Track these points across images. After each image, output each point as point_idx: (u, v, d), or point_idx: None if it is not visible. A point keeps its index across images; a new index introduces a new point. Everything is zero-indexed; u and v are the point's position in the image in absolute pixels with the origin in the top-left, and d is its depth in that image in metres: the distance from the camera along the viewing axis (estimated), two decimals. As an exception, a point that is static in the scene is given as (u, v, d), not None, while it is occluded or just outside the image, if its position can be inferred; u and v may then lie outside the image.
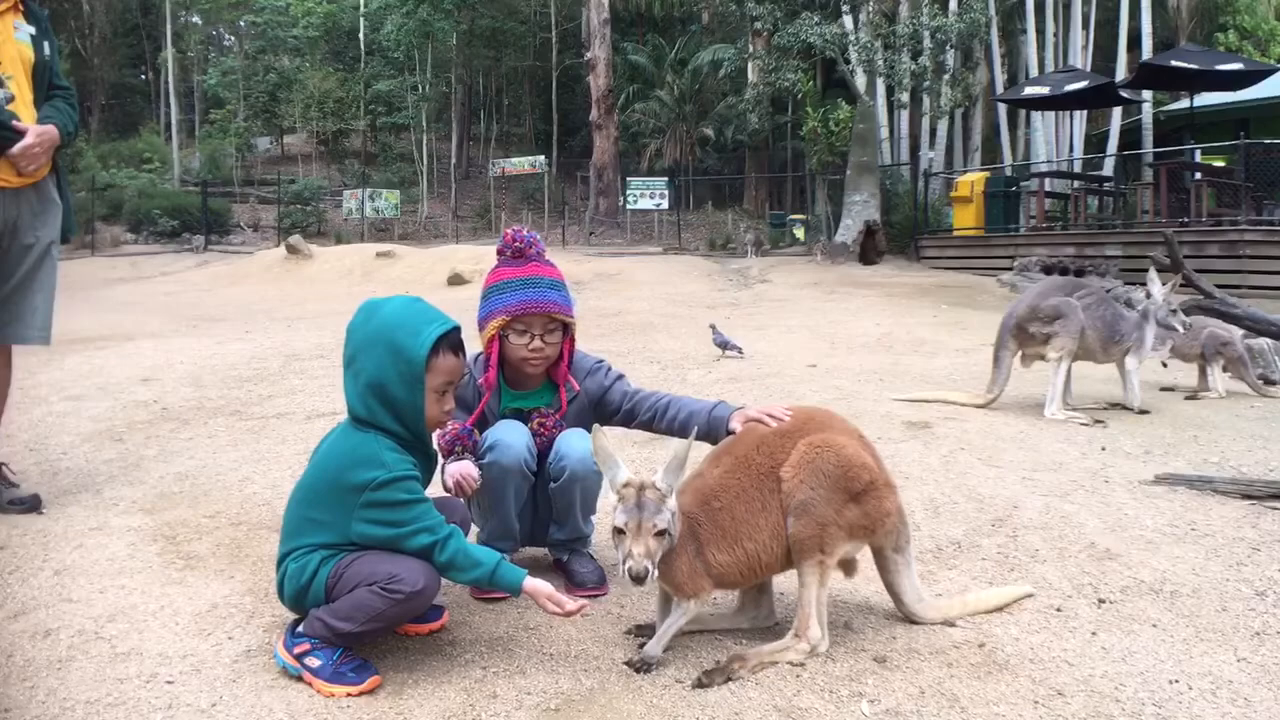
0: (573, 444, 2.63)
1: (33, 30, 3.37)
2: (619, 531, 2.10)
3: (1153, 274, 5.25)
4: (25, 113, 3.28)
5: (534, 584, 2.17)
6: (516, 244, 2.67)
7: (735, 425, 2.47)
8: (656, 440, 4.24)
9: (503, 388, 2.72)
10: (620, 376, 2.79)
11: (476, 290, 2.86)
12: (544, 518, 2.77)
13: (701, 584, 2.22)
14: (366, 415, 2.20)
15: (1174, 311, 5.09)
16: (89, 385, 5.77)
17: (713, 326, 7.36)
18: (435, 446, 2.53)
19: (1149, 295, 5.21)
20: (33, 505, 3.35)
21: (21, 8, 3.36)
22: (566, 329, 2.68)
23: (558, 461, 2.63)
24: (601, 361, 2.81)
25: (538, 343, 2.61)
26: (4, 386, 3.49)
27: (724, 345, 7.11)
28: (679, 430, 2.60)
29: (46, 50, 3.41)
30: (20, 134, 3.19)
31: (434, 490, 2.50)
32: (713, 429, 2.54)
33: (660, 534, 2.09)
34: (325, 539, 2.17)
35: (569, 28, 32.59)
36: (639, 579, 2.05)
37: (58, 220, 3.46)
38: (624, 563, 2.07)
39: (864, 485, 2.26)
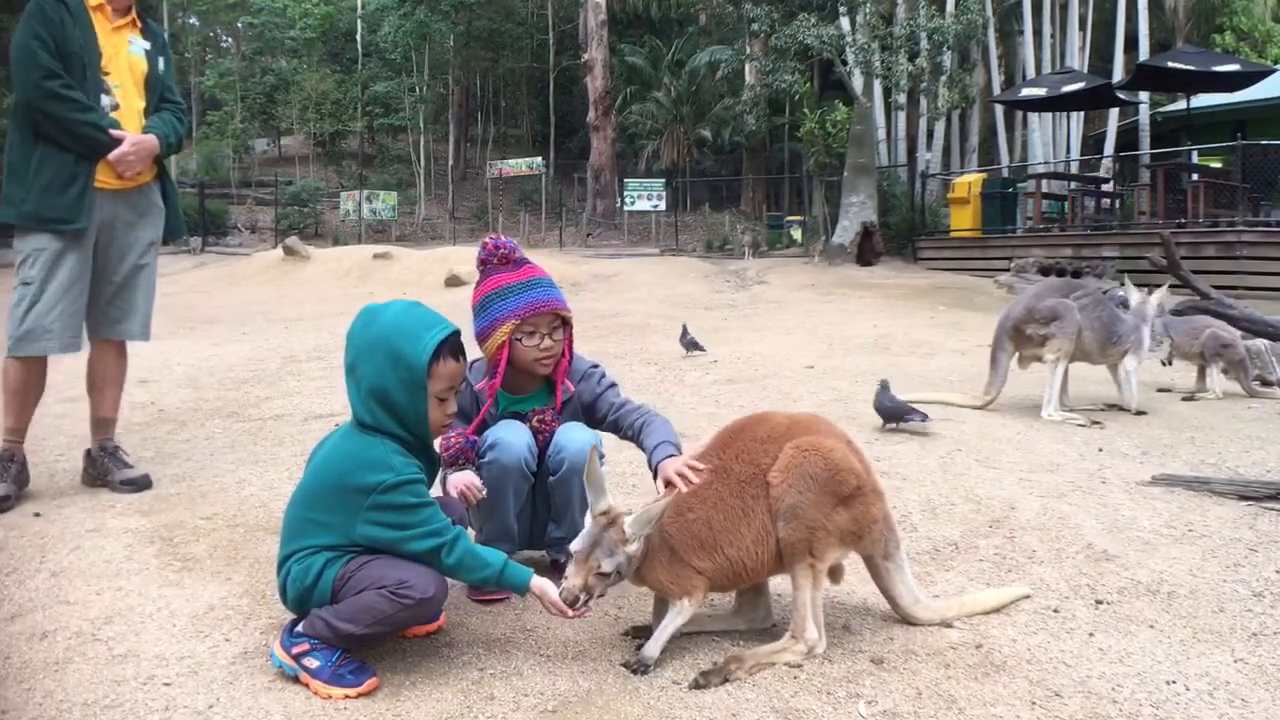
0: (572, 436, 2.64)
1: (148, 45, 3.67)
2: (570, 555, 2.18)
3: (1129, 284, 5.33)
4: (132, 121, 3.55)
5: (540, 584, 2.19)
6: (501, 250, 2.68)
7: (662, 476, 2.40)
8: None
9: (499, 394, 2.71)
10: (612, 385, 2.80)
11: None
12: (542, 518, 2.78)
13: (690, 583, 2.23)
14: (371, 420, 2.20)
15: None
16: (85, 387, 5.75)
17: (684, 327, 7.36)
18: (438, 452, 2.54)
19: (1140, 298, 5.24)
20: (142, 485, 3.59)
21: (139, 24, 3.67)
22: (567, 324, 2.70)
23: (557, 454, 2.63)
24: (596, 366, 2.82)
25: (548, 342, 2.63)
26: (121, 376, 3.81)
27: (691, 346, 7.11)
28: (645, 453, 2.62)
29: (160, 65, 3.71)
30: (117, 141, 3.43)
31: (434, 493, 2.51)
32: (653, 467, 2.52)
33: (602, 575, 2.14)
34: (328, 540, 2.16)
35: (566, 29, 32.61)
36: (570, 605, 2.14)
37: (159, 222, 3.75)
38: (561, 584, 2.16)
39: (851, 489, 2.26)
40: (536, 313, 2.60)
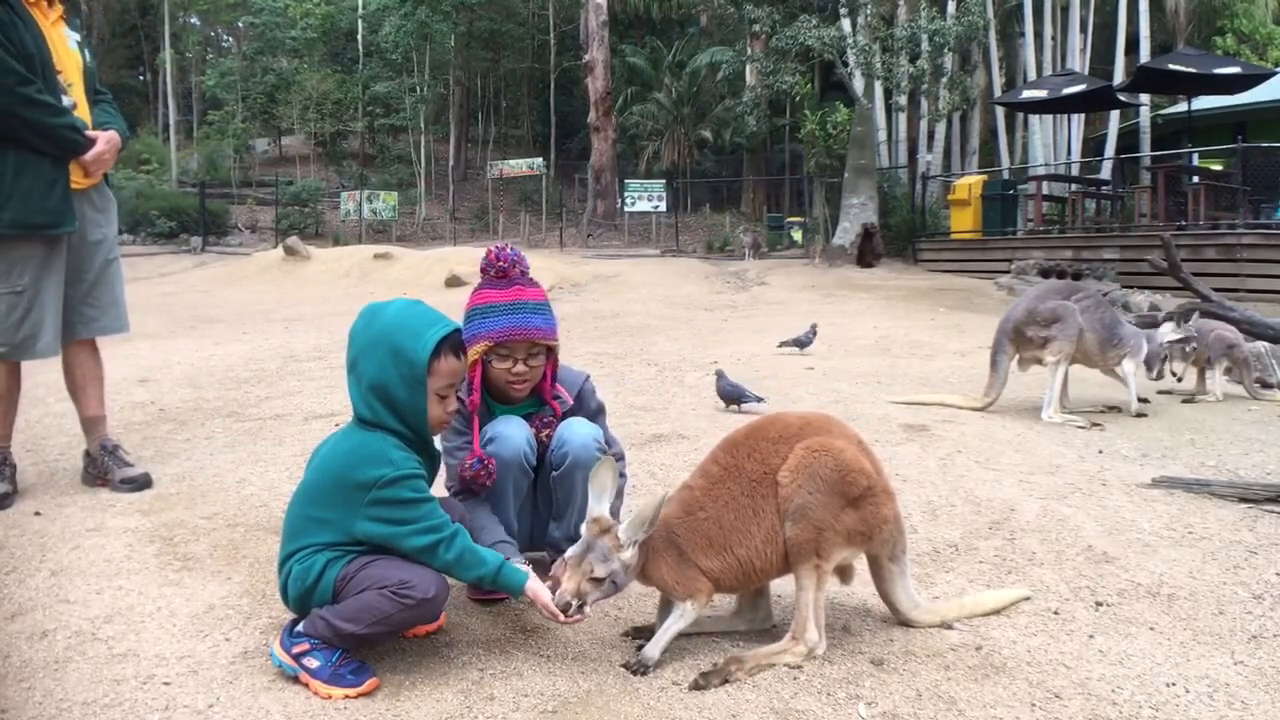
0: (575, 430, 2.64)
1: (78, 37, 3.60)
2: (565, 563, 2.19)
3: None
4: (85, 118, 3.50)
5: (535, 586, 2.19)
6: (500, 263, 2.63)
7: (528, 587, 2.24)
8: (655, 442, 4.25)
9: (491, 406, 2.71)
10: (600, 411, 2.82)
11: (475, 292, 2.84)
12: (543, 517, 2.77)
13: (696, 585, 2.23)
14: (371, 416, 2.21)
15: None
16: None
17: (813, 327, 7.55)
18: (447, 473, 2.56)
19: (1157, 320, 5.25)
20: (143, 483, 3.58)
21: (63, 14, 3.55)
22: (550, 352, 2.68)
23: (559, 448, 2.62)
24: (588, 380, 2.82)
25: (520, 367, 2.61)
26: (100, 372, 3.78)
27: (796, 343, 7.39)
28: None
29: (88, 57, 3.64)
30: (92, 141, 3.41)
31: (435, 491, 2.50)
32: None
33: (596, 580, 2.14)
34: (329, 538, 2.16)
35: (567, 30, 32.62)
36: (563, 610, 2.14)
37: (115, 216, 3.77)
38: (557, 592, 2.17)
39: (861, 490, 2.25)
40: (510, 339, 2.57)
